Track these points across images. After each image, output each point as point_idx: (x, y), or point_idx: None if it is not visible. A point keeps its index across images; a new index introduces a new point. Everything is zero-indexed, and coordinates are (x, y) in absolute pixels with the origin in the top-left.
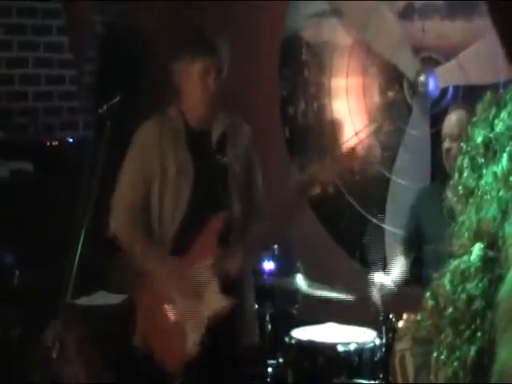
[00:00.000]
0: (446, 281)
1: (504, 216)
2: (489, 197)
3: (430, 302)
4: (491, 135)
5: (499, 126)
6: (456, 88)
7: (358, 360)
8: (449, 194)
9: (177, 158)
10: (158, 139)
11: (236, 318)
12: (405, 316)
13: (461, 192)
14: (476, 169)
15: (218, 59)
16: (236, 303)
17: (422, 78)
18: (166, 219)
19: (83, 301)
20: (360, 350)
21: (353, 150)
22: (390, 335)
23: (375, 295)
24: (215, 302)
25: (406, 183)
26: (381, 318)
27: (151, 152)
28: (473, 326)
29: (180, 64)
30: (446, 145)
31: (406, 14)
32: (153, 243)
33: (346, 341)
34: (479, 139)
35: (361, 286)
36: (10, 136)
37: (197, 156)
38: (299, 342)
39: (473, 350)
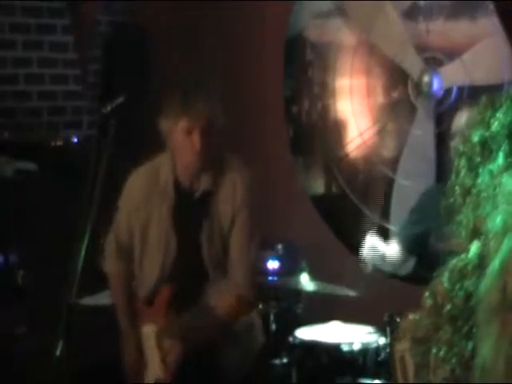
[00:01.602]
0: (445, 279)
1: None
2: (485, 195)
3: (429, 301)
4: (487, 134)
5: (495, 125)
6: (460, 88)
7: (362, 360)
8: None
9: (160, 225)
10: (145, 196)
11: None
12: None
13: (458, 191)
14: (473, 168)
15: (204, 117)
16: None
17: (426, 78)
18: (144, 276)
19: (88, 300)
20: (364, 350)
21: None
22: (395, 335)
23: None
24: (155, 370)
25: (410, 183)
26: (385, 318)
27: (138, 209)
28: (470, 322)
29: (165, 121)
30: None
31: (410, 15)
32: (128, 306)
33: (350, 340)
34: (476, 139)
35: (365, 284)
36: (15, 135)
37: (180, 222)
38: (303, 342)
39: (470, 346)
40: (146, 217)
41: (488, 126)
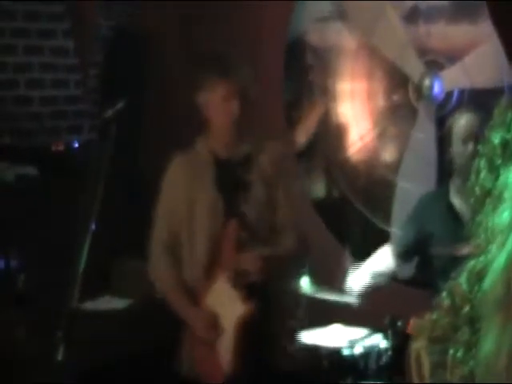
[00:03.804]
0: (463, 280)
1: None
2: (506, 196)
3: (446, 301)
4: (508, 136)
5: None
6: (461, 91)
7: (363, 363)
8: (454, 198)
9: (206, 197)
10: (186, 179)
11: (265, 323)
12: (416, 315)
13: (478, 193)
14: (493, 170)
15: (240, 83)
16: (257, 308)
17: (427, 82)
18: (196, 257)
19: (88, 305)
20: (365, 353)
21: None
22: (396, 338)
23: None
24: (236, 310)
25: (411, 187)
26: (386, 321)
27: (180, 193)
28: None
29: (203, 92)
30: (458, 147)
31: (411, 18)
32: (183, 295)
33: (352, 344)
34: (496, 141)
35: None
36: (16, 140)
37: (225, 188)
38: (305, 346)
39: None
40: (190, 200)
41: (509, 129)
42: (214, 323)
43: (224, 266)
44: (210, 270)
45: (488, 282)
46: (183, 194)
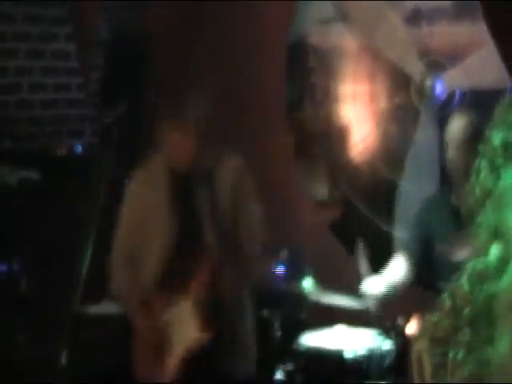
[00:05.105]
0: (464, 281)
1: None
2: (508, 197)
3: (448, 302)
4: (509, 137)
5: None
6: (463, 92)
7: (366, 365)
8: (455, 199)
9: (159, 212)
10: (143, 194)
11: (223, 345)
12: (419, 316)
13: (478, 193)
14: (494, 170)
15: (196, 118)
16: (213, 336)
17: (429, 82)
18: (151, 270)
19: (91, 309)
20: (369, 356)
21: None
22: (399, 339)
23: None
24: (191, 334)
25: (414, 188)
26: (390, 323)
27: (137, 207)
28: (491, 327)
29: (160, 124)
30: (451, 151)
31: (412, 19)
32: (137, 304)
33: (355, 346)
34: (497, 141)
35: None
36: (18, 144)
37: (180, 203)
38: (308, 348)
39: (490, 351)
40: (146, 214)
41: (510, 129)
42: (162, 338)
43: (192, 293)
44: (167, 288)
45: (504, 282)
46: (140, 208)
